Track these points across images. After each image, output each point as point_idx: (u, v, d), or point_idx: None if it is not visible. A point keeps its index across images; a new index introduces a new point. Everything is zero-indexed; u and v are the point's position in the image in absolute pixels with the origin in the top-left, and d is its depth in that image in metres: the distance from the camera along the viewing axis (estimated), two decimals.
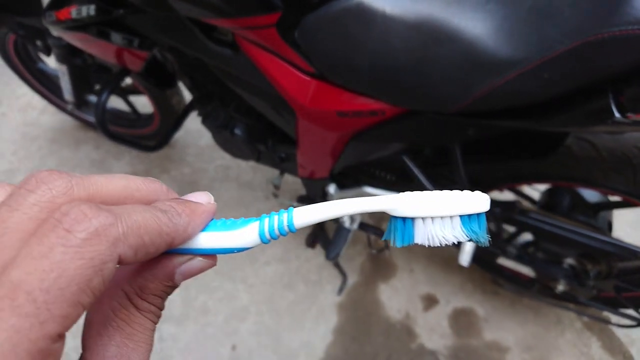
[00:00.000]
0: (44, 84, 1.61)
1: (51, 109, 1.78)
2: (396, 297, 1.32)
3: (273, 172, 1.57)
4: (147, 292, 0.22)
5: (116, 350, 0.20)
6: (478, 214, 0.23)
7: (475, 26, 0.62)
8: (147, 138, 1.58)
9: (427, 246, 0.24)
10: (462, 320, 1.28)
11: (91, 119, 1.61)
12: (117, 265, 0.18)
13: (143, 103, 1.56)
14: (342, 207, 0.24)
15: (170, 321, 1.24)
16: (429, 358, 1.21)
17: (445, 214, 0.23)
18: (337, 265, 1.28)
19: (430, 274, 1.37)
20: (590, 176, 0.89)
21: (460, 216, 0.23)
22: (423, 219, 0.23)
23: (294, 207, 0.24)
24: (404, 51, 0.66)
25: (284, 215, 0.24)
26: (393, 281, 1.35)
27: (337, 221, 1.18)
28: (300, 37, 0.74)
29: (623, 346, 1.24)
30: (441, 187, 0.26)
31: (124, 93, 1.46)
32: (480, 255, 1.06)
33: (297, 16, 0.73)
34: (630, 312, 1.01)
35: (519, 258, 1.03)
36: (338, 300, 1.30)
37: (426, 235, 0.23)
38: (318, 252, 1.39)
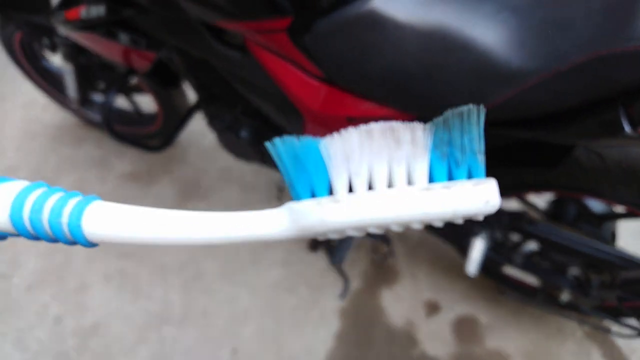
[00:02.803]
0: (48, 81, 1.60)
1: (53, 106, 1.77)
2: (399, 303, 1.32)
3: (276, 175, 1.57)
4: None
5: None
6: None
7: (488, 36, 0.62)
8: (148, 137, 1.58)
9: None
10: (464, 328, 1.28)
11: (94, 117, 1.61)
12: None
13: (146, 101, 1.56)
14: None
15: (171, 323, 1.24)
16: None
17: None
18: (340, 270, 1.28)
19: (433, 280, 1.36)
20: (597, 187, 0.89)
21: None
22: None
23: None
24: (415, 59, 0.66)
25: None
26: (396, 287, 1.35)
27: None
28: (311, 42, 0.74)
29: (623, 355, 1.24)
30: None
31: (127, 92, 1.46)
32: (487, 264, 1.06)
33: (308, 21, 0.73)
34: (632, 321, 1.02)
35: (524, 266, 1.03)
36: (340, 306, 1.30)
37: None
38: (320, 256, 1.39)
